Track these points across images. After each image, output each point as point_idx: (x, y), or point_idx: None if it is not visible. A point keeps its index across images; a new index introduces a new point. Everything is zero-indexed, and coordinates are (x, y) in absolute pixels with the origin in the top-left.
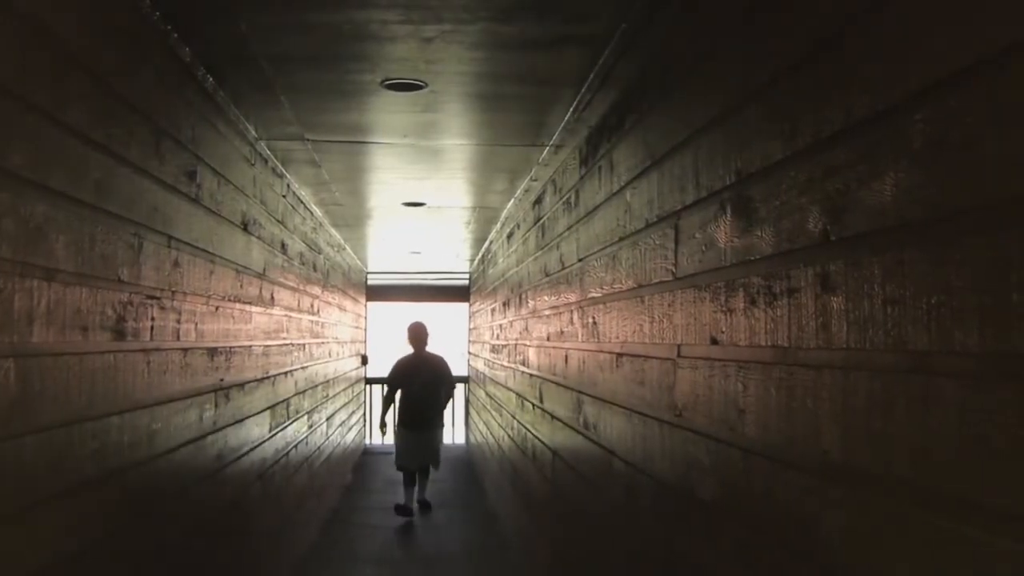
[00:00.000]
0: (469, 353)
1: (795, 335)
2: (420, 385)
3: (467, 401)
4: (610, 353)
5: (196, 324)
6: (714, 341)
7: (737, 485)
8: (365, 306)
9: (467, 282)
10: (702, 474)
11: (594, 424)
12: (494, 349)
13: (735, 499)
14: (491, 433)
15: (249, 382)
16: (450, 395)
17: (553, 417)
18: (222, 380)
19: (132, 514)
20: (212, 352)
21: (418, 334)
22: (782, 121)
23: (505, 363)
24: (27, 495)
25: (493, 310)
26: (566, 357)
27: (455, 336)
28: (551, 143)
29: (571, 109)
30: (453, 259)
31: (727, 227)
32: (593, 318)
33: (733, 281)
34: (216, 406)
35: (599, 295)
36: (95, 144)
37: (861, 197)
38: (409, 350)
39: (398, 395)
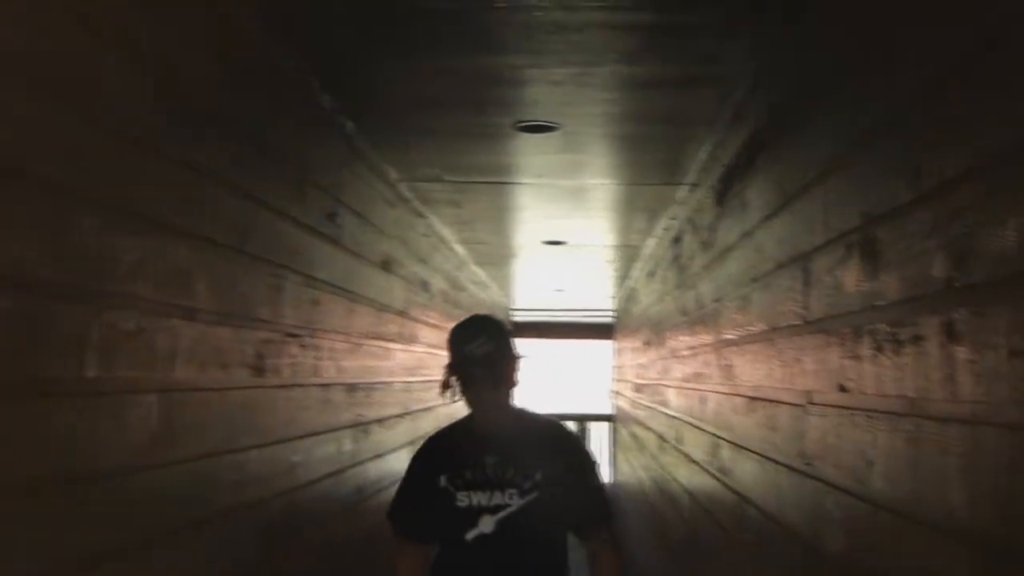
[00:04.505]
0: (614, 392)
1: (921, 385)
2: (494, 522)
3: (613, 441)
4: (744, 397)
5: (335, 361)
6: (842, 388)
7: (864, 539)
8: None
9: (612, 320)
10: (830, 526)
11: (729, 469)
12: (636, 388)
13: (862, 553)
14: (634, 473)
15: (389, 418)
16: (613, 551)
17: (690, 459)
18: (360, 415)
19: (270, 544)
20: (351, 388)
21: (483, 358)
22: (907, 160)
23: (646, 403)
24: (167, 523)
25: (635, 349)
26: (703, 399)
27: (600, 374)
28: (687, 181)
29: (705, 147)
30: (597, 296)
31: (854, 270)
32: (728, 360)
33: (860, 327)
34: (355, 441)
35: (734, 337)
36: (239, 190)
37: (985, 242)
38: (458, 413)
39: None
